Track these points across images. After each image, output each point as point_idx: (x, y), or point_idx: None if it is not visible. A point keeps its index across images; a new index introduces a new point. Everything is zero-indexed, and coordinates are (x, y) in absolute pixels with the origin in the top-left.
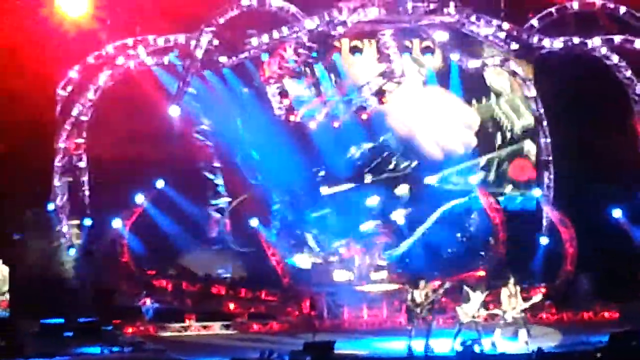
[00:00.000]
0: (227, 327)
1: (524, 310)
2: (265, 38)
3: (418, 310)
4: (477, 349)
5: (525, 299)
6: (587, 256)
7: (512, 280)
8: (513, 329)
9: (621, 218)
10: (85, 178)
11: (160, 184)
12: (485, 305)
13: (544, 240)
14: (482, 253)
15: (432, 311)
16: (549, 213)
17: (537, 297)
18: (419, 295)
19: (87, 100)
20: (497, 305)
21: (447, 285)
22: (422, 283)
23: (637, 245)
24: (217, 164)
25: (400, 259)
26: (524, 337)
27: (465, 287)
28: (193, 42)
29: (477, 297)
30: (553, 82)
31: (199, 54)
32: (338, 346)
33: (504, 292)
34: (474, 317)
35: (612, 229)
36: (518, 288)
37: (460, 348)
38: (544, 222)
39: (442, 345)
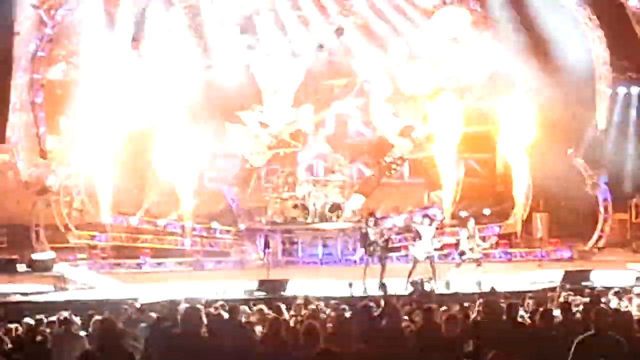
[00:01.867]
0: (181, 264)
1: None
2: None
3: (371, 248)
4: (428, 286)
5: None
6: (541, 196)
7: (472, 221)
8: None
9: (576, 159)
10: (42, 114)
11: None
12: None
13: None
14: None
15: (385, 249)
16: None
17: (493, 239)
18: (372, 232)
19: (45, 36)
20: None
21: (401, 222)
22: (371, 221)
23: (590, 185)
24: None
25: None
26: (477, 277)
27: (414, 225)
28: None
29: (429, 231)
30: None
31: None
32: (291, 284)
33: (463, 233)
34: (428, 253)
35: (566, 171)
36: (477, 228)
37: (411, 286)
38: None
39: (397, 284)
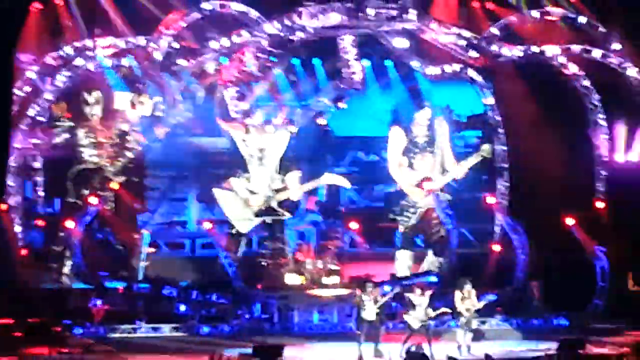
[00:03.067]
0: (177, 329)
1: (477, 311)
2: (225, 42)
3: (366, 314)
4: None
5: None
6: (538, 264)
7: (468, 284)
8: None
9: (574, 227)
10: (40, 179)
11: (115, 185)
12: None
13: (496, 247)
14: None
15: (380, 316)
16: (501, 220)
17: (491, 297)
18: (367, 299)
19: (44, 102)
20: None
21: (397, 289)
22: (369, 286)
23: (588, 253)
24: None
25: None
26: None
27: (407, 294)
28: (152, 45)
29: (422, 301)
30: (511, 91)
31: (158, 56)
32: (287, 350)
33: (457, 295)
34: (423, 322)
35: (565, 238)
36: (473, 291)
37: (404, 354)
38: (497, 229)
39: (393, 351)
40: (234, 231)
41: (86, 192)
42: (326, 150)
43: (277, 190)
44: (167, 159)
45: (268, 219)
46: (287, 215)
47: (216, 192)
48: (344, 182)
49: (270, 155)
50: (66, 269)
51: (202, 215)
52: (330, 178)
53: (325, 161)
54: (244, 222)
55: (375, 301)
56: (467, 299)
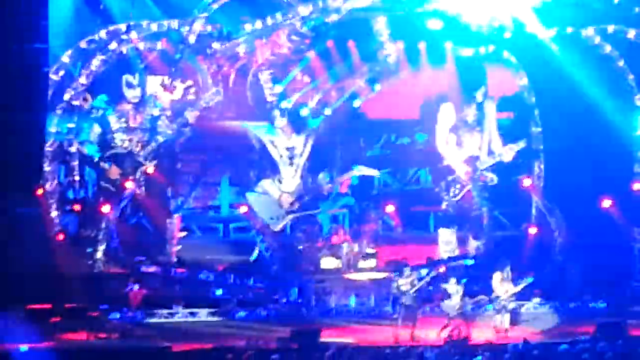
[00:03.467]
0: (214, 314)
1: (515, 294)
2: (258, 24)
3: (403, 298)
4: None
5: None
6: (576, 246)
7: (508, 266)
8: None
9: (611, 209)
10: (75, 163)
11: (150, 169)
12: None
13: (532, 230)
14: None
15: (417, 299)
16: (539, 202)
17: (529, 279)
18: (404, 282)
19: (79, 85)
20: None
21: (434, 273)
22: (407, 270)
23: (625, 236)
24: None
25: None
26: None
27: (442, 285)
28: (186, 28)
29: (457, 289)
30: (545, 72)
31: (191, 39)
32: (325, 334)
33: (496, 277)
34: (459, 309)
35: (602, 220)
36: (511, 274)
37: (447, 338)
38: (534, 212)
39: (431, 335)
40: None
41: (118, 176)
42: (359, 134)
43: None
44: (199, 142)
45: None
46: (318, 210)
47: (249, 196)
48: (372, 172)
49: (300, 155)
50: (102, 254)
51: (235, 199)
52: (359, 170)
53: (358, 144)
54: (277, 221)
55: (412, 285)
56: (506, 281)
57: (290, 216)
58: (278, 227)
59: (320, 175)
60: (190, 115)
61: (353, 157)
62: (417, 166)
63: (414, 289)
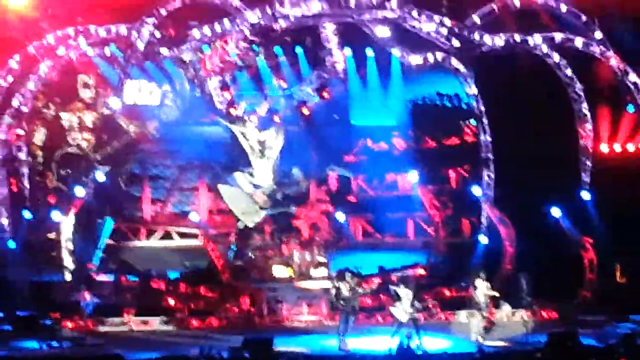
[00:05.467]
0: (166, 322)
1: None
2: (207, 30)
3: (343, 303)
4: (413, 346)
5: (462, 298)
6: (526, 255)
7: (483, 273)
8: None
9: (560, 218)
10: (25, 170)
11: (100, 176)
12: (421, 302)
13: (483, 239)
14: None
15: (355, 307)
16: (488, 211)
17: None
18: (345, 289)
19: (27, 91)
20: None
21: (376, 282)
22: (348, 276)
23: (575, 245)
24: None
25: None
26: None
27: (391, 287)
28: (134, 33)
29: (407, 293)
30: (493, 80)
31: (140, 45)
32: (277, 343)
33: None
34: (410, 314)
35: (552, 229)
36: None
37: (396, 346)
38: (484, 221)
39: (381, 343)
40: (240, 225)
41: (70, 176)
42: (336, 139)
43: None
44: (171, 147)
45: (274, 212)
46: (293, 208)
47: (221, 188)
48: (347, 172)
49: (271, 148)
50: (54, 262)
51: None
52: (334, 170)
53: (335, 149)
54: (250, 216)
55: (354, 291)
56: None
57: (263, 213)
58: (251, 223)
59: (294, 170)
60: (151, 127)
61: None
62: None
63: (355, 295)
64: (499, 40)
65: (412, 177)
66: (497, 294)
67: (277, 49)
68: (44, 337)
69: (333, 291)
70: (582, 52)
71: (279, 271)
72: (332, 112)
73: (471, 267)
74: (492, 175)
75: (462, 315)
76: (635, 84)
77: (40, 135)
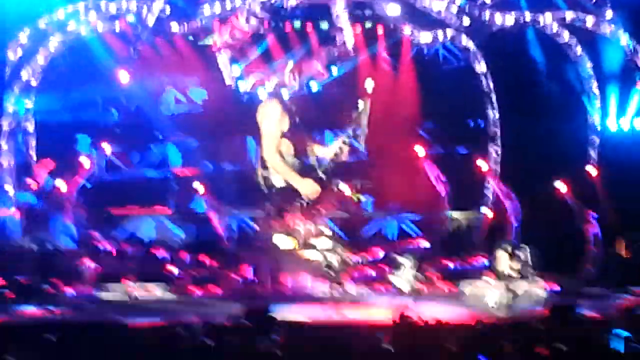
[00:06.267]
0: (167, 290)
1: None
2: (217, 6)
3: (333, 274)
4: (415, 316)
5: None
6: (530, 229)
7: (508, 246)
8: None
9: (566, 193)
10: (32, 142)
11: (107, 148)
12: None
13: (488, 213)
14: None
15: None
16: (494, 186)
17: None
18: (335, 259)
19: (37, 66)
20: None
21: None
22: (339, 248)
23: (580, 219)
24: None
25: None
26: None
27: (394, 255)
28: (145, 9)
29: (409, 263)
30: (502, 58)
31: (150, 20)
32: (278, 311)
33: (500, 254)
34: (411, 284)
35: (557, 203)
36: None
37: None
38: (489, 195)
39: (382, 313)
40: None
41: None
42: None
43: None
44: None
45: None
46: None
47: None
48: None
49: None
50: (57, 230)
51: None
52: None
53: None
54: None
55: (344, 262)
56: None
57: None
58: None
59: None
60: None
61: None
62: None
63: (345, 266)
64: (510, 19)
65: (419, 150)
66: (518, 266)
67: (287, 25)
68: (44, 302)
69: (323, 262)
70: (592, 31)
71: (282, 241)
72: (342, 89)
73: (475, 240)
74: (499, 151)
75: (475, 286)
76: None
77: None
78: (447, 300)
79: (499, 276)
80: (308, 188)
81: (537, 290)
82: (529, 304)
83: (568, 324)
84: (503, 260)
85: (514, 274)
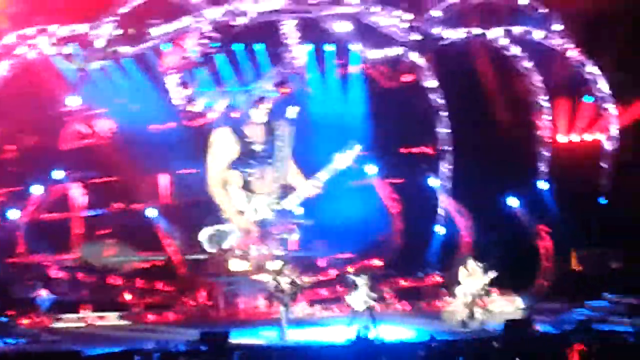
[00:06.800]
0: (122, 317)
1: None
2: (167, 28)
3: (281, 296)
4: (370, 336)
5: (418, 288)
6: (483, 245)
7: (470, 261)
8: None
9: (517, 208)
10: None
11: (58, 175)
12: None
13: (440, 230)
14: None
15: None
16: (445, 202)
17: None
18: (284, 282)
19: None
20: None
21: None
22: (286, 269)
23: (532, 234)
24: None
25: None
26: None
27: (349, 276)
28: (94, 32)
29: (364, 283)
30: (452, 73)
31: (99, 44)
32: (233, 336)
33: (462, 272)
34: (367, 303)
35: (509, 219)
36: (479, 266)
37: (354, 337)
38: (441, 212)
39: (338, 334)
40: None
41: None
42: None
43: None
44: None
45: None
46: None
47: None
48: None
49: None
50: (9, 259)
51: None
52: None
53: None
54: None
55: (293, 283)
56: (470, 276)
57: None
58: None
59: None
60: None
61: None
62: None
63: (293, 289)
64: (459, 34)
65: (370, 169)
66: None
67: (237, 46)
68: (1, 334)
69: (273, 284)
70: (541, 44)
71: (236, 265)
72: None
73: (428, 258)
74: (450, 167)
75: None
76: (592, 74)
77: None
78: (403, 319)
79: (457, 294)
80: (242, 224)
81: (495, 306)
82: (488, 320)
83: (524, 339)
84: (462, 277)
85: (473, 291)
